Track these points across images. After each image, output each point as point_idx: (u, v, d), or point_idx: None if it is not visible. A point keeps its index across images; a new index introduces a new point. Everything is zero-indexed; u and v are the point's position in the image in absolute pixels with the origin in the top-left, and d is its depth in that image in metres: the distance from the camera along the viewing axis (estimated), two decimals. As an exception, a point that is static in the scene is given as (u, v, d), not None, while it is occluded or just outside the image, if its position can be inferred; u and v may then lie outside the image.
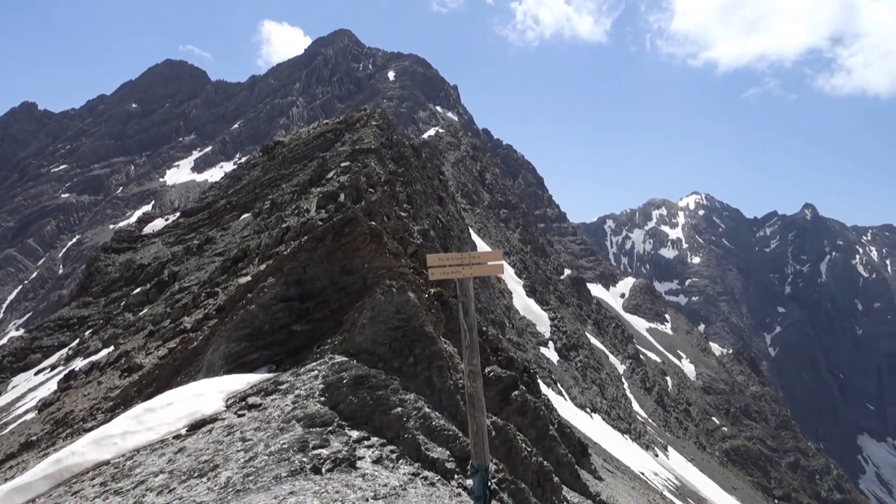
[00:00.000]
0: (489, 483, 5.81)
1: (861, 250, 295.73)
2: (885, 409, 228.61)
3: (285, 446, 6.26)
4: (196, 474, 6.01)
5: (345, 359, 7.90)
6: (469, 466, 6.12)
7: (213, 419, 7.11)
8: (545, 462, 10.74)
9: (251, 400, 7.29)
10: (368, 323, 8.56)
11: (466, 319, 6.54)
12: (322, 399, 7.16)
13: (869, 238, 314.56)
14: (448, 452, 7.51)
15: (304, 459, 6.00)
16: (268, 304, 10.19)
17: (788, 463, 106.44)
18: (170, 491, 5.85)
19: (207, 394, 7.61)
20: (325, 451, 6.26)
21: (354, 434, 6.90)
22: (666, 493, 42.97)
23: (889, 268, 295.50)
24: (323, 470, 6.04)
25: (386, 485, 6.06)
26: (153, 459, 6.60)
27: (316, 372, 7.61)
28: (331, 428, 6.75)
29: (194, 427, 7.08)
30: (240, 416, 7.08)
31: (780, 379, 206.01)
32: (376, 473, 6.30)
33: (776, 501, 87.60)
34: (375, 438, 7.02)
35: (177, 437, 7.03)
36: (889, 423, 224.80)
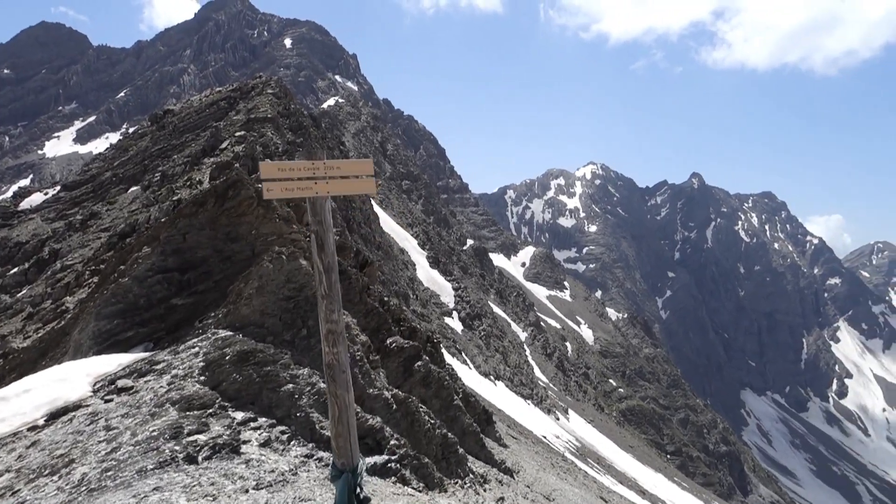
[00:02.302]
0: (358, 490, 4.43)
1: (743, 217, 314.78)
2: (766, 365, 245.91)
3: (155, 434, 5.51)
4: (47, 472, 5.21)
5: (229, 333, 7.21)
6: (330, 467, 4.67)
7: (76, 406, 6.30)
8: (449, 434, 10.41)
9: (121, 383, 6.52)
10: (255, 293, 7.85)
11: (322, 256, 5.15)
12: (202, 378, 6.46)
13: (750, 205, 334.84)
14: (346, 430, 7.02)
15: (177, 448, 5.28)
16: (143, 277, 9.26)
17: (679, 419, 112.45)
18: (13, 493, 5.04)
19: (72, 378, 6.78)
20: (202, 437, 5.56)
21: (239, 416, 6.23)
22: (567, 454, 44.24)
23: (768, 233, 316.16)
24: (199, 458, 5.33)
25: (273, 470, 5.43)
26: (1, 456, 5.76)
27: (197, 349, 6.89)
28: (211, 410, 6.07)
29: (54, 416, 6.25)
30: (107, 401, 6.31)
31: (671, 340, 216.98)
32: (263, 458, 5.67)
33: (668, 457, 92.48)
34: (263, 419, 6.37)
35: (32, 428, 6.19)
36: (769, 378, 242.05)
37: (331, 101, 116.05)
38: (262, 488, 5.01)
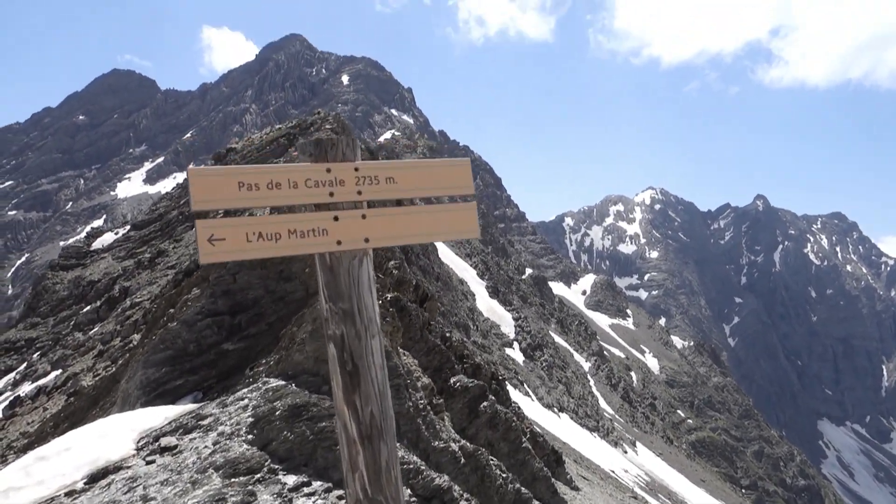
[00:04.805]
0: None
1: (812, 238, 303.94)
2: (843, 393, 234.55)
3: (194, 509, 4.93)
4: (74, 554, 4.71)
5: (281, 383, 6.66)
6: None
7: (116, 468, 5.84)
8: (523, 489, 9.62)
9: (165, 441, 6.05)
10: (309, 338, 7.28)
11: (357, 397, 2.79)
12: (250, 437, 5.90)
13: (819, 226, 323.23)
14: (409, 491, 6.35)
15: (217, 528, 4.69)
16: (192, 321, 8.86)
17: (753, 452, 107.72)
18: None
19: (116, 433, 6.34)
20: (247, 511, 4.96)
21: (290, 480, 5.62)
22: (637, 489, 42.46)
23: (839, 255, 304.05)
24: (243, 539, 4.73)
25: (327, 550, 4.78)
26: (33, 528, 5.31)
27: (246, 401, 6.36)
28: (259, 475, 5.46)
29: (94, 479, 5.79)
30: (148, 463, 5.84)
31: (741, 368, 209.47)
32: (317, 532, 5.04)
33: (743, 491, 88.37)
34: (318, 483, 5.72)
35: (70, 493, 5.73)
36: (847, 408, 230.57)
37: (387, 135, 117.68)
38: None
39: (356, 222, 2.93)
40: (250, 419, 5.99)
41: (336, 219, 2.90)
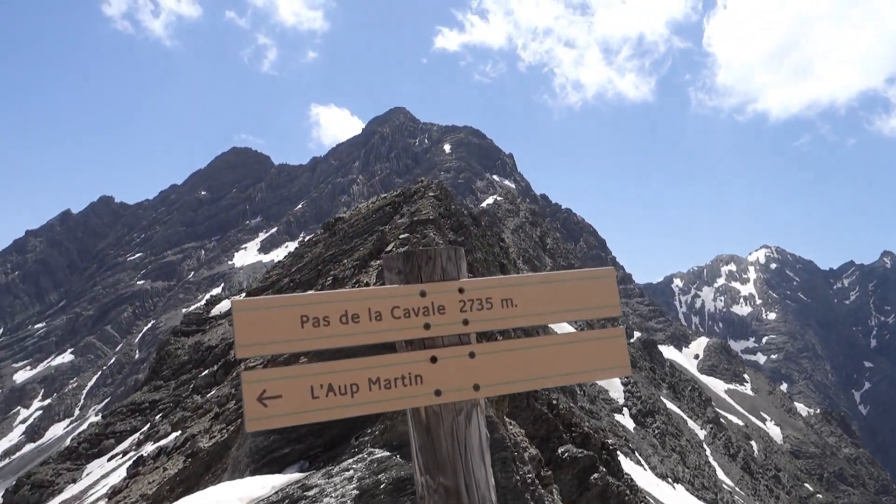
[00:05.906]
0: None
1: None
2: None
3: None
4: None
5: (386, 454, 6.62)
6: None
7: (225, 538, 5.95)
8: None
9: (271, 511, 6.13)
10: (413, 408, 7.26)
11: None
12: (355, 510, 5.89)
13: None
14: (517, 571, 6.08)
15: None
16: (300, 390, 9.00)
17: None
18: None
19: (225, 502, 6.49)
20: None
21: (394, 558, 5.52)
22: (765, 573, 39.30)
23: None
24: None
25: None
26: None
27: (351, 472, 6.34)
28: (363, 552, 5.40)
29: (204, 548, 5.92)
30: (256, 534, 5.91)
31: (875, 439, 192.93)
32: None
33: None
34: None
35: (181, 562, 5.88)
36: None
37: (489, 200, 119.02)
38: None
39: (462, 363, 2.25)
40: (355, 491, 5.96)
41: (434, 360, 2.22)
